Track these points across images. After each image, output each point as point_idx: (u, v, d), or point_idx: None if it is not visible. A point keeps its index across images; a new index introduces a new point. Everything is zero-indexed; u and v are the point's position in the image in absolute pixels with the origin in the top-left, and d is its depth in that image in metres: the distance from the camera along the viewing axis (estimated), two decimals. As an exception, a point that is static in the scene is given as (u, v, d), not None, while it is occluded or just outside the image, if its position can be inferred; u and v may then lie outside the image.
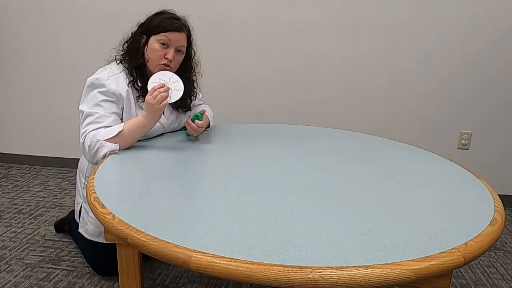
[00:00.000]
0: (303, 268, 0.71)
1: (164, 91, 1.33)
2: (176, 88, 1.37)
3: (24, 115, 2.75)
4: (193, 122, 1.46)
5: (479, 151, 2.40)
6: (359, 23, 2.31)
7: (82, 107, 1.38)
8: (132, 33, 1.49)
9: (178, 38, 1.43)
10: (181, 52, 1.47)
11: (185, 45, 1.47)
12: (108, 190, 1.03)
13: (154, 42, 1.42)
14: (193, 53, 1.56)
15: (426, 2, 2.24)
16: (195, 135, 1.50)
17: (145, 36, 1.44)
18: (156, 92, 1.32)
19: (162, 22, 1.41)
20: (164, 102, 1.32)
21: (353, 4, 2.29)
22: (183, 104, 1.57)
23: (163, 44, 1.41)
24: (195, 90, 1.62)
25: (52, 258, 1.72)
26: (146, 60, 1.45)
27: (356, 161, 1.31)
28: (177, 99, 1.37)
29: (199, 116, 1.47)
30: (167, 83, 1.36)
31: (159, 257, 0.78)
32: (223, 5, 2.38)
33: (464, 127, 2.39)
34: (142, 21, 1.47)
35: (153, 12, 1.47)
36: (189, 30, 1.49)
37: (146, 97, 1.33)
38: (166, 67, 1.43)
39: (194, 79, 1.60)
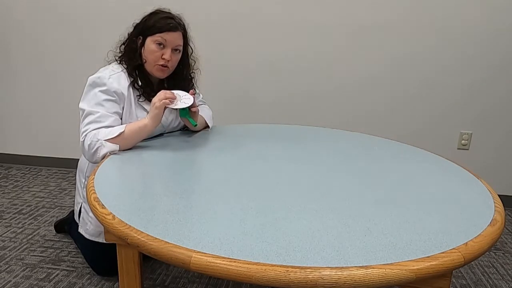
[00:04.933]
0: (303, 268, 0.71)
1: (170, 94, 1.35)
2: (185, 101, 1.41)
3: (24, 115, 2.75)
4: (183, 117, 1.49)
5: (479, 151, 2.40)
6: (359, 23, 2.31)
7: (83, 105, 1.38)
8: (128, 34, 1.49)
9: (174, 38, 1.43)
10: (178, 51, 1.47)
11: (182, 44, 1.47)
12: (108, 190, 1.03)
13: (150, 43, 1.42)
14: (190, 50, 1.56)
15: (426, 1, 2.24)
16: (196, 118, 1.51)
17: (141, 37, 1.45)
18: (162, 93, 1.35)
19: (157, 23, 1.41)
20: (164, 101, 1.33)
21: (353, 4, 2.29)
22: None
23: (160, 44, 1.41)
24: (193, 87, 1.63)
25: (52, 258, 1.71)
26: (144, 61, 1.45)
27: (356, 161, 1.31)
28: (180, 107, 1.40)
29: (186, 109, 1.48)
30: (178, 95, 1.41)
31: (159, 257, 0.78)
32: (221, 4, 2.38)
33: (464, 127, 2.39)
34: (137, 21, 1.47)
35: (148, 11, 1.47)
36: (184, 28, 1.49)
37: (153, 99, 1.35)
38: (164, 67, 1.44)
39: (193, 76, 1.61)
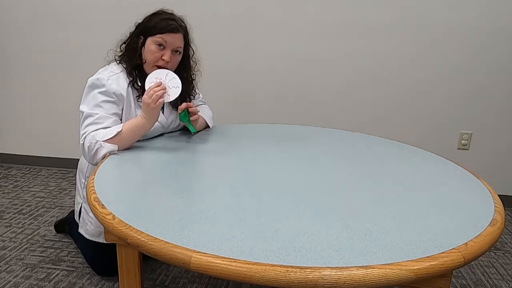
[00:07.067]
0: (303, 268, 0.71)
1: (160, 90, 1.33)
2: (174, 85, 1.37)
3: (24, 115, 2.74)
4: (183, 121, 1.48)
5: (479, 151, 2.40)
6: (359, 22, 2.31)
7: (83, 107, 1.38)
8: (130, 33, 1.49)
9: (174, 40, 1.42)
10: (178, 53, 1.46)
11: (182, 46, 1.47)
12: (108, 190, 1.03)
13: (150, 44, 1.41)
14: (191, 52, 1.55)
15: (427, 3, 2.24)
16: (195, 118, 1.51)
17: (142, 37, 1.44)
18: (151, 92, 1.32)
19: (158, 24, 1.40)
20: (160, 100, 1.32)
21: (353, 4, 2.29)
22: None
23: (160, 45, 1.41)
24: (194, 89, 1.62)
25: (52, 258, 1.71)
26: (144, 61, 1.44)
27: (356, 161, 1.31)
28: (176, 96, 1.38)
29: (185, 113, 1.48)
30: (164, 81, 1.37)
31: (159, 257, 0.78)
32: (221, 4, 2.38)
33: (464, 127, 2.39)
34: (139, 21, 1.47)
35: (150, 11, 1.46)
36: (185, 30, 1.48)
37: (143, 97, 1.34)
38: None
39: (194, 78, 1.60)
